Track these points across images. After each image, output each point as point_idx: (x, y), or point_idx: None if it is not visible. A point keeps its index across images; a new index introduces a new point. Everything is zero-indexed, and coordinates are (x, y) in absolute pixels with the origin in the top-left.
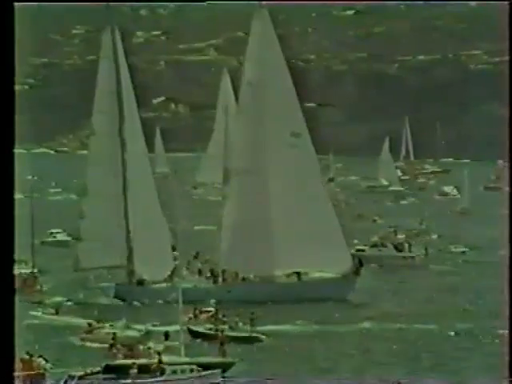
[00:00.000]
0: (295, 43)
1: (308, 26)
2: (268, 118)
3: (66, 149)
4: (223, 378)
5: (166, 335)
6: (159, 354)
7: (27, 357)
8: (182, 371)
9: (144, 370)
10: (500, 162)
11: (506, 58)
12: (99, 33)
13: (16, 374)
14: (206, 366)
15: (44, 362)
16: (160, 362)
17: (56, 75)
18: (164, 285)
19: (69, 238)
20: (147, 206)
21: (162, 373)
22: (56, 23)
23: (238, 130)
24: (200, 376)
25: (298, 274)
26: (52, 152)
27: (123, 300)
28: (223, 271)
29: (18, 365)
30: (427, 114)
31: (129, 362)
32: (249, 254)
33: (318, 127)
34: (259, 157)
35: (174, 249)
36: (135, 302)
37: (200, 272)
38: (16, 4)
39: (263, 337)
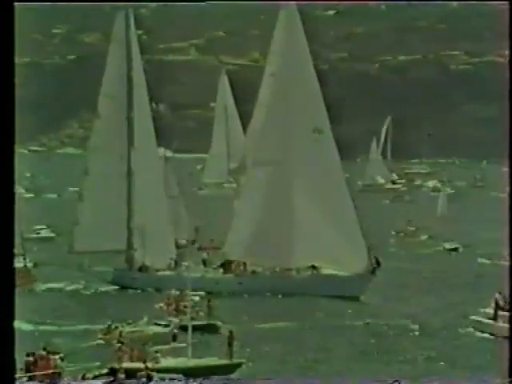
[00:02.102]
0: None
1: None
2: (290, 111)
3: (40, 148)
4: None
5: (174, 336)
6: (145, 361)
7: (44, 353)
8: (171, 380)
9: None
10: (484, 162)
11: (486, 58)
12: (80, 32)
13: (33, 373)
14: (212, 368)
15: (60, 360)
16: (147, 367)
17: (37, 75)
18: (170, 272)
19: (53, 235)
20: (151, 192)
21: (150, 379)
22: (37, 22)
23: (258, 121)
24: None
25: (315, 267)
26: (26, 152)
27: (122, 286)
28: (231, 262)
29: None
30: (408, 114)
31: (117, 366)
32: (264, 246)
33: None
34: (279, 149)
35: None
36: (135, 289)
37: (204, 262)
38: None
39: (219, 323)
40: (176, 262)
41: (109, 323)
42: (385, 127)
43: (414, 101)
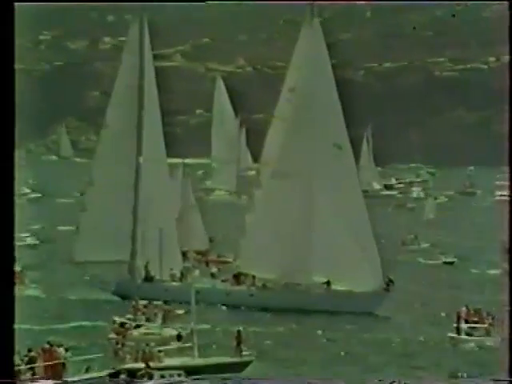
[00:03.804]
0: (262, 50)
1: (274, 32)
2: (311, 126)
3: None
4: (225, 379)
5: (179, 336)
6: (147, 361)
7: (48, 346)
8: (171, 376)
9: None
10: (471, 168)
11: (470, 65)
12: (66, 38)
13: (37, 364)
14: (222, 366)
15: (64, 351)
16: (148, 366)
17: (23, 81)
18: (177, 283)
19: (37, 242)
20: (159, 201)
21: (151, 378)
22: (23, 29)
23: (276, 135)
24: (187, 381)
25: (328, 283)
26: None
27: (123, 297)
28: (241, 274)
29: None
30: (393, 121)
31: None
32: (279, 260)
33: None
34: (299, 163)
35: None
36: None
37: (212, 275)
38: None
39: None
40: (182, 274)
41: (119, 322)
42: (365, 135)
43: (399, 107)
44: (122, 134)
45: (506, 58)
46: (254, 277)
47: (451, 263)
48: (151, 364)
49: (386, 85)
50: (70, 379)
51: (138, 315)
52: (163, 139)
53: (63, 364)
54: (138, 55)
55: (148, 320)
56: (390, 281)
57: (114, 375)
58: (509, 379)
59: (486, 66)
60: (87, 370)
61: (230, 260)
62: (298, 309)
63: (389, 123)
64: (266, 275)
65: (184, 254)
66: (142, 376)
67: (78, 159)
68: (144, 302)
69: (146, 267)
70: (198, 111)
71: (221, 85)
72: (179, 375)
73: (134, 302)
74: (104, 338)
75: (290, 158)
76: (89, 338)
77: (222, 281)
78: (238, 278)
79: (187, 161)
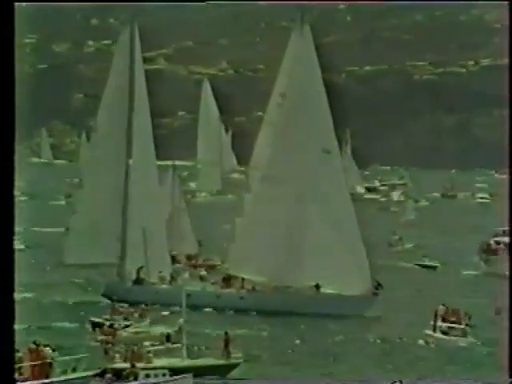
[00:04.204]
0: (244, 53)
1: (256, 36)
2: (300, 131)
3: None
4: (225, 379)
5: (168, 337)
6: (135, 361)
7: (34, 346)
8: (155, 375)
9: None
10: (453, 171)
11: (449, 69)
12: (50, 42)
13: (24, 364)
14: (209, 368)
15: (51, 351)
16: (133, 366)
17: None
18: (167, 286)
19: (22, 246)
20: (148, 204)
21: (136, 378)
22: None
23: (266, 139)
24: (172, 380)
25: (317, 286)
26: None
27: (112, 299)
28: (230, 277)
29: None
30: (374, 123)
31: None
32: (269, 263)
33: None
34: (290, 167)
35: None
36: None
37: (201, 278)
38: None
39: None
40: (172, 277)
41: (107, 322)
42: (345, 138)
43: (380, 110)
44: (112, 137)
45: (485, 61)
46: (243, 279)
47: (434, 267)
48: (140, 364)
49: (366, 88)
50: (56, 379)
51: (115, 316)
52: (153, 142)
53: (50, 364)
54: (129, 59)
55: (126, 319)
56: (379, 284)
57: (101, 375)
58: (509, 379)
59: (464, 70)
60: (74, 370)
61: (218, 263)
62: (288, 311)
63: (370, 126)
64: (255, 278)
65: (173, 258)
66: (127, 376)
67: (61, 161)
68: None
69: (138, 271)
70: (180, 113)
71: (207, 87)
72: (164, 375)
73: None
74: (89, 339)
75: (279, 163)
76: (75, 339)
77: (212, 283)
78: (227, 280)
79: (172, 163)
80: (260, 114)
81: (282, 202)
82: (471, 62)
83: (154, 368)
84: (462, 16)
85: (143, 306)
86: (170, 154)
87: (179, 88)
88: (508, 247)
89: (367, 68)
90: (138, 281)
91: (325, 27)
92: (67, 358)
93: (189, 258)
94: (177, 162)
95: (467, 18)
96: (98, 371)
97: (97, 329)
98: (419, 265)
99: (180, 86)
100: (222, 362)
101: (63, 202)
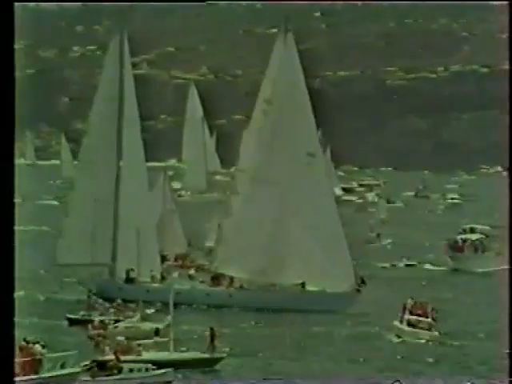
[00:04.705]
0: (223, 59)
1: (235, 42)
2: (286, 136)
3: None
4: (212, 371)
5: (157, 331)
6: (126, 354)
7: (24, 343)
8: (139, 370)
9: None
10: (425, 172)
11: (420, 74)
12: (37, 48)
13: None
14: (193, 361)
15: (41, 348)
16: (118, 359)
17: None
18: (157, 284)
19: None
20: (139, 205)
21: (120, 371)
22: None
23: (250, 144)
24: (154, 375)
25: (303, 284)
26: None
27: (105, 298)
28: (219, 276)
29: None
30: (348, 126)
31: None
32: (256, 263)
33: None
34: (276, 170)
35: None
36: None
37: (190, 276)
38: None
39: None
40: (163, 276)
41: (100, 319)
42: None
43: (354, 113)
44: (104, 141)
45: (455, 67)
46: (231, 278)
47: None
48: (129, 357)
49: (340, 92)
50: (45, 375)
51: (92, 312)
52: (142, 144)
53: (39, 360)
54: (119, 65)
55: (102, 315)
56: (363, 281)
57: (89, 369)
58: (509, 379)
59: (434, 75)
60: (62, 366)
61: (206, 263)
62: (275, 308)
63: (344, 128)
64: (242, 276)
65: (164, 257)
66: (111, 368)
67: (43, 162)
68: (101, 301)
69: (127, 271)
70: (162, 116)
71: (194, 91)
72: (147, 370)
73: (88, 299)
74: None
75: (266, 166)
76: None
77: (200, 282)
78: (215, 279)
79: (157, 164)
80: (239, 116)
81: (268, 204)
82: (441, 68)
83: (139, 361)
84: (432, 24)
85: (118, 302)
86: (154, 155)
87: (161, 92)
88: (479, 245)
89: (341, 73)
90: (130, 280)
91: (301, 34)
92: (55, 354)
93: (178, 257)
94: (161, 163)
95: (437, 26)
96: (86, 364)
97: (89, 325)
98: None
99: (162, 90)
100: (207, 355)
101: (47, 202)
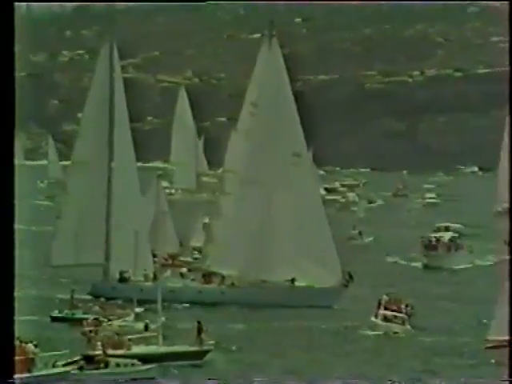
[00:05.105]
0: (207, 63)
1: (219, 47)
2: (272, 137)
3: None
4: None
5: (146, 326)
6: (103, 346)
7: (18, 343)
8: (125, 365)
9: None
10: (404, 171)
11: (397, 78)
12: (28, 52)
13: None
14: (184, 354)
15: (33, 347)
16: (105, 354)
17: None
18: (150, 283)
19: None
20: (130, 206)
21: (106, 364)
22: None
23: (238, 145)
24: (138, 371)
25: (293, 280)
26: None
27: (98, 297)
28: (211, 274)
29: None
30: (328, 128)
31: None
32: (244, 259)
33: (227, 140)
34: (261, 171)
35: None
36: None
37: (182, 275)
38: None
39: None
40: (155, 275)
41: (94, 317)
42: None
43: (334, 116)
44: (96, 145)
45: (430, 71)
46: (223, 276)
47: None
48: (119, 351)
49: (321, 95)
50: (37, 373)
51: (75, 310)
52: (133, 146)
53: (32, 359)
54: (109, 71)
55: (85, 313)
56: (350, 277)
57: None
58: (509, 379)
59: (411, 80)
60: (54, 365)
61: (193, 261)
62: (265, 304)
63: (325, 130)
64: (234, 274)
65: (155, 256)
66: (99, 362)
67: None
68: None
69: (121, 272)
70: (148, 118)
71: (183, 94)
72: (133, 365)
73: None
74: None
75: (254, 166)
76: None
77: (192, 280)
78: (207, 277)
79: (146, 165)
80: (223, 119)
81: (256, 203)
82: (417, 73)
83: (128, 356)
84: (409, 30)
85: (102, 300)
86: (140, 156)
87: (147, 95)
88: (452, 244)
89: (322, 77)
90: (123, 279)
91: (282, 40)
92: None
93: (170, 256)
94: (150, 164)
95: (413, 32)
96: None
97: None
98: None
99: (148, 92)
100: (195, 348)
101: (35, 202)
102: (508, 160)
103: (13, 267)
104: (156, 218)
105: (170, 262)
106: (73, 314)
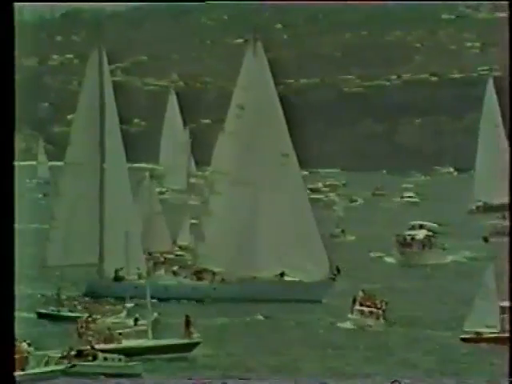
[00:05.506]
0: (193, 67)
1: (203, 51)
2: (259, 138)
3: None
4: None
5: (136, 320)
6: (91, 341)
7: None
8: (112, 359)
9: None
10: (384, 171)
11: (375, 82)
12: (20, 57)
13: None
14: (173, 347)
15: (27, 346)
16: (93, 348)
17: None
18: (145, 281)
19: None
20: (123, 207)
21: (94, 357)
22: None
23: (225, 146)
24: (124, 366)
25: (282, 275)
26: None
27: (94, 297)
28: (203, 271)
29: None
30: (309, 130)
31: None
32: (234, 256)
33: (211, 141)
34: (250, 171)
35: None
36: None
37: (174, 272)
38: None
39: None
40: (148, 273)
41: (87, 315)
42: None
43: (314, 118)
44: (87, 148)
45: (407, 76)
46: (213, 273)
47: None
48: (110, 345)
49: (302, 99)
50: (30, 372)
51: (61, 308)
52: (123, 147)
53: (26, 358)
54: (98, 76)
55: (71, 311)
56: (338, 271)
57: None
58: (509, 379)
59: (388, 83)
60: (46, 363)
61: (189, 261)
62: (256, 299)
63: (306, 132)
64: (224, 270)
65: (150, 255)
66: (87, 355)
67: (19, 163)
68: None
69: (116, 271)
70: (136, 120)
71: (173, 96)
72: (120, 360)
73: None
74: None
75: (242, 167)
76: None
77: (184, 277)
78: (198, 274)
79: (134, 165)
80: (207, 121)
81: (244, 203)
82: (394, 77)
83: (117, 350)
84: (387, 36)
85: (86, 299)
86: (128, 158)
87: (135, 97)
88: (426, 241)
89: (303, 81)
90: (118, 278)
91: (264, 45)
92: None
93: (162, 255)
94: (137, 164)
95: (391, 37)
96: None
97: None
98: None
99: (135, 95)
100: (184, 341)
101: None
102: (508, 160)
103: (12, 266)
104: (149, 218)
105: (163, 259)
106: (58, 311)
